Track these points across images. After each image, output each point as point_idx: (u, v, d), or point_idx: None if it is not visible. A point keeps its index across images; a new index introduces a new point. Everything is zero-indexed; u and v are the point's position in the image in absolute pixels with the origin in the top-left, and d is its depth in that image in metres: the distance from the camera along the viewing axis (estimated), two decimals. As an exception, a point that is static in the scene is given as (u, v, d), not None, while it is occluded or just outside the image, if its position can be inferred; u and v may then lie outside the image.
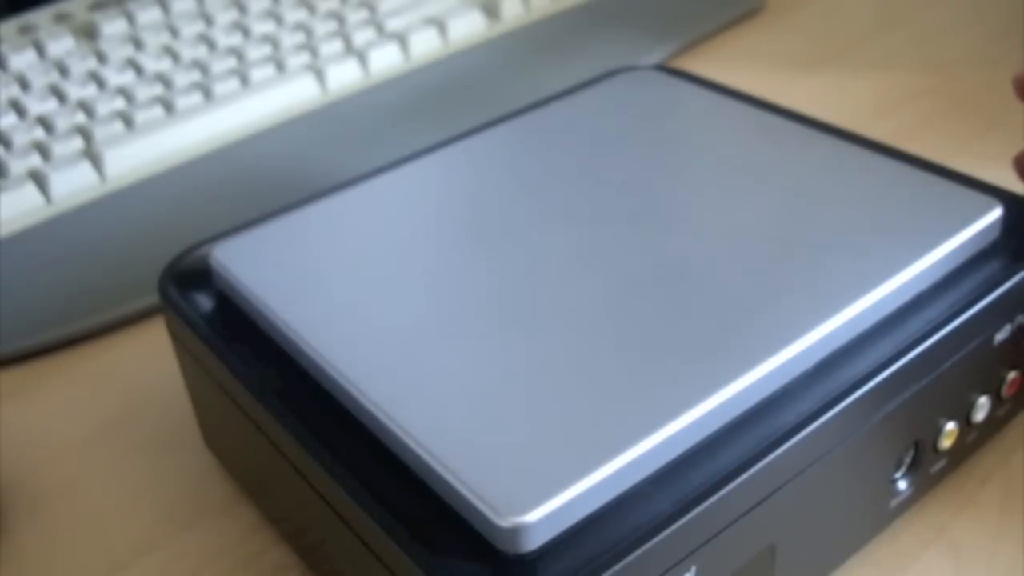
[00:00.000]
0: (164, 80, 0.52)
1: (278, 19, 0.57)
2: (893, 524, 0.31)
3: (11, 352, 0.40)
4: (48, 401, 0.39)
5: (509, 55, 0.56)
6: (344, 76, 0.54)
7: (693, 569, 0.24)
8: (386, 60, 0.55)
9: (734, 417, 0.25)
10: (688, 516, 0.23)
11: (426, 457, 0.24)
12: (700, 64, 0.56)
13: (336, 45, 0.55)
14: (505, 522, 0.22)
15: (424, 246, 0.30)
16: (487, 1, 0.59)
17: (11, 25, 0.57)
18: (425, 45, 0.56)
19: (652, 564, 0.23)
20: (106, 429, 0.37)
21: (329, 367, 0.27)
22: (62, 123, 0.50)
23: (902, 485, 0.29)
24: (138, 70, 0.53)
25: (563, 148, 0.35)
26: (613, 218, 0.31)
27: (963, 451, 0.31)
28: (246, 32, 0.56)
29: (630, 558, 0.22)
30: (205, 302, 0.31)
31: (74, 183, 0.47)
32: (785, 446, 0.24)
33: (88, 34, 0.56)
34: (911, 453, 0.29)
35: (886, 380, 0.26)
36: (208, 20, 0.56)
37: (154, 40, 0.55)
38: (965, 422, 0.30)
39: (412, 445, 0.24)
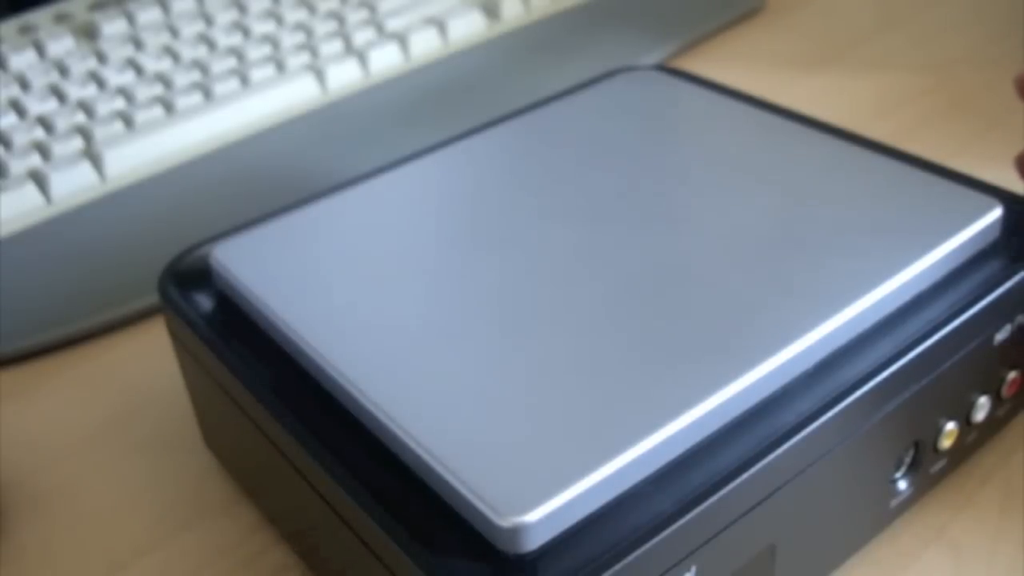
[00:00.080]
0: (164, 80, 0.52)
1: (278, 19, 0.57)
2: (893, 524, 0.31)
3: (11, 352, 0.40)
4: (48, 401, 0.39)
5: (509, 55, 0.56)
6: (344, 76, 0.54)
7: (693, 569, 0.24)
8: (386, 60, 0.55)
9: (734, 417, 0.25)
10: (688, 516, 0.23)
11: (426, 457, 0.24)
12: (700, 64, 0.56)
13: (336, 45, 0.55)
14: (505, 522, 0.22)
15: (424, 246, 0.30)
16: (487, 1, 0.59)
17: (11, 25, 0.57)
18: (425, 45, 0.56)
19: (652, 564, 0.23)
20: (106, 429, 0.37)
21: (329, 367, 0.27)
22: (62, 123, 0.50)
23: (902, 485, 0.29)
24: (138, 70, 0.53)
25: (563, 148, 0.35)
26: (613, 218, 0.31)
27: (963, 451, 0.31)
28: (246, 32, 0.56)
29: (630, 558, 0.22)
30: (205, 302, 0.31)
31: (74, 183, 0.47)
32: (785, 446, 0.24)
33: (88, 34, 0.56)
34: (911, 453, 0.29)
35: (886, 380, 0.26)
36: (208, 20, 0.57)
37: (154, 40, 0.55)
38: (965, 422, 0.30)
39: (412, 445, 0.24)
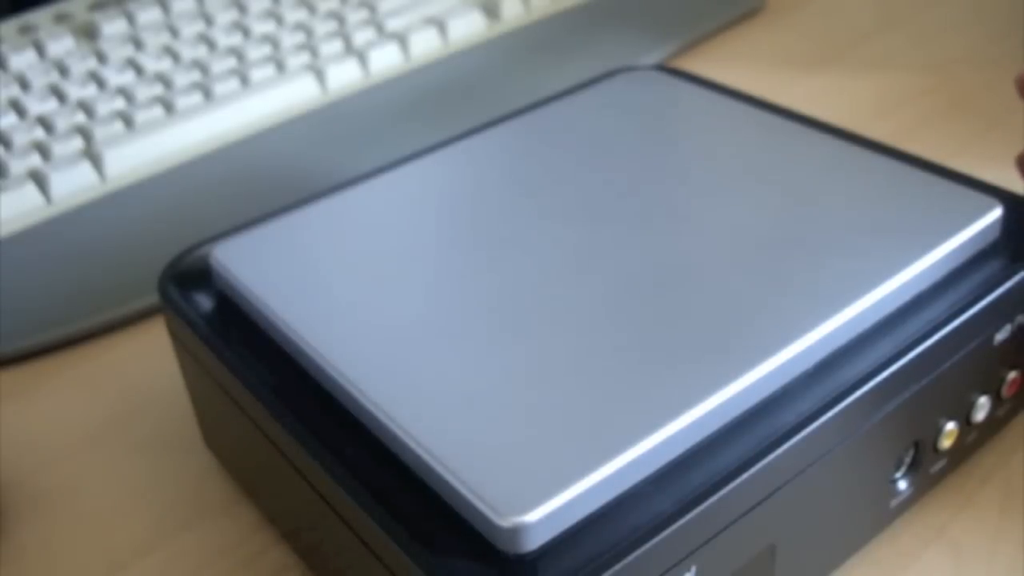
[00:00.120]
0: (164, 80, 0.52)
1: (278, 19, 0.57)
2: (893, 524, 0.31)
3: (11, 352, 0.40)
4: (48, 401, 0.39)
5: (509, 55, 0.56)
6: (344, 76, 0.54)
7: (693, 569, 0.24)
8: (386, 60, 0.55)
9: (734, 417, 0.25)
10: (688, 516, 0.23)
11: (426, 457, 0.24)
12: (700, 64, 0.56)
13: (336, 45, 0.55)
14: (505, 522, 0.22)
15: (424, 246, 0.30)
16: (487, 1, 0.59)
17: (11, 25, 0.57)
18: (425, 45, 0.56)
19: (652, 564, 0.23)
20: (106, 429, 0.37)
21: (329, 367, 0.27)
22: (62, 123, 0.50)
23: (902, 485, 0.29)
24: (138, 70, 0.53)
25: (563, 148, 0.35)
26: (613, 218, 0.31)
27: (963, 451, 0.31)
28: (246, 32, 0.56)
29: (630, 558, 0.22)
30: (205, 302, 0.31)
31: (74, 183, 0.47)
32: (785, 446, 0.24)
33: (88, 34, 0.56)
34: (911, 453, 0.29)
35: (886, 380, 0.26)
36: (208, 20, 0.57)
37: (154, 40, 0.55)
38: (965, 422, 0.30)
39: (412, 445, 0.24)
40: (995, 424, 0.32)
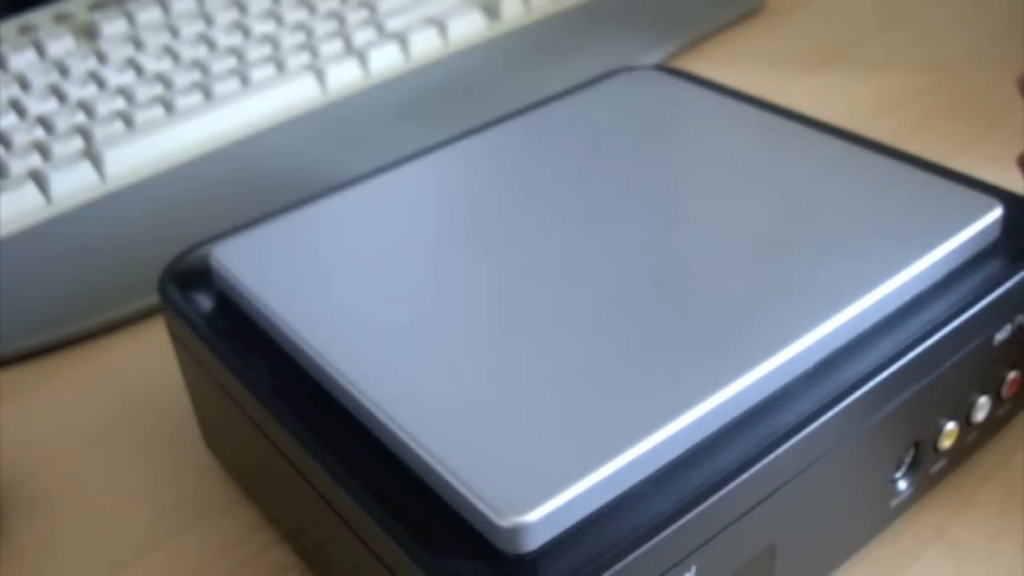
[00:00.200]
0: (164, 80, 0.52)
1: (278, 19, 0.57)
2: (893, 524, 0.31)
3: (11, 352, 0.40)
4: (48, 401, 0.39)
5: (509, 55, 0.56)
6: (344, 76, 0.54)
7: (693, 569, 0.24)
8: (386, 60, 0.55)
9: (734, 417, 0.25)
10: (688, 516, 0.23)
11: (426, 457, 0.24)
12: (700, 64, 0.56)
13: (336, 45, 0.55)
14: (505, 522, 0.22)
15: (424, 246, 0.30)
16: (487, 1, 0.59)
17: (11, 25, 0.57)
18: (425, 45, 0.56)
19: (652, 564, 0.23)
20: (106, 429, 0.37)
21: (329, 367, 0.27)
22: (62, 123, 0.50)
23: (902, 485, 0.29)
24: (138, 70, 0.53)
25: (563, 148, 0.35)
26: (613, 218, 0.31)
27: (963, 451, 0.31)
28: (246, 32, 0.56)
29: (630, 558, 0.22)
30: (205, 302, 0.31)
31: (74, 183, 0.47)
32: (785, 446, 0.24)
33: (88, 34, 0.56)
34: (911, 453, 0.29)
35: (886, 380, 0.26)
36: (208, 20, 0.57)
37: (154, 40, 0.55)
38: (965, 422, 0.30)
39: (412, 445, 0.24)
40: (995, 424, 0.32)
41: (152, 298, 0.42)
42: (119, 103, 0.51)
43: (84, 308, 0.42)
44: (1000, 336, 0.29)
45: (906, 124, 0.49)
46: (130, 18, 0.56)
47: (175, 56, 0.54)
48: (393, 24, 0.57)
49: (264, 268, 0.30)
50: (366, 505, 0.24)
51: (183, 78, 0.52)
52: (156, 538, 0.33)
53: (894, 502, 0.29)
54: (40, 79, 0.52)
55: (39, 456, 0.36)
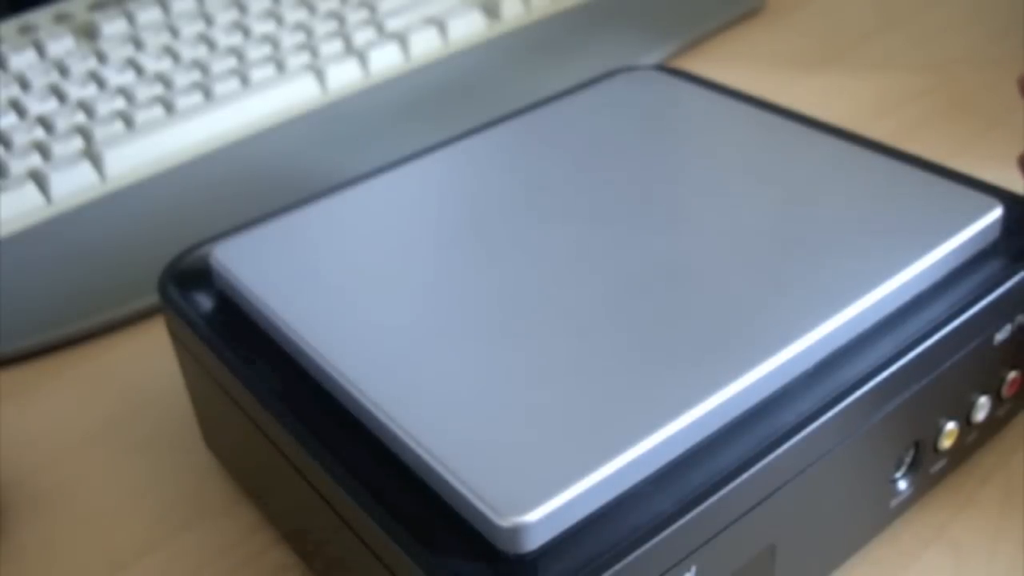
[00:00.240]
0: (164, 80, 0.52)
1: (278, 19, 0.57)
2: (893, 524, 0.31)
3: (11, 352, 0.40)
4: (48, 401, 0.39)
5: (509, 55, 0.56)
6: (344, 76, 0.54)
7: (693, 569, 0.24)
8: (386, 60, 0.55)
9: (734, 417, 0.25)
10: (688, 516, 0.23)
11: (426, 457, 0.24)
12: (700, 64, 0.56)
13: (336, 45, 0.55)
14: (505, 522, 0.22)
15: (424, 246, 0.30)
16: (487, 1, 0.59)
17: (11, 25, 0.57)
18: (425, 45, 0.56)
19: (652, 564, 0.23)
20: (106, 429, 0.37)
21: (329, 367, 0.27)
22: (62, 123, 0.50)
23: (902, 485, 0.29)
24: (138, 70, 0.53)
25: (563, 148, 0.35)
26: (613, 218, 0.31)
27: (963, 451, 0.31)
28: (246, 32, 0.56)
29: (630, 558, 0.22)
30: (205, 302, 0.31)
31: (74, 183, 0.47)
32: (785, 446, 0.24)
33: (88, 34, 0.56)
34: (911, 453, 0.29)
35: (886, 380, 0.26)
36: (208, 20, 0.57)
37: (154, 40, 0.55)
38: (965, 422, 0.30)
39: (412, 445, 0.24)
40: (995, 424, 0.32)
41: (152, 298, 0.42)
42: (119, 103, 0.51)
43: (84, 308, 0.42)
44: (1000, 336, 0.29)
45: (906, 124, 0.49)
46: (130, 18, 0.56)
47: (175, 56, 0.54)
48: (393, 24, 0.57)
49: (264, 268, 0.30)
50: (366, 505, 0.24)
51: (183, 78, 0.52)
52: (156, 538, 0.33)
53: (894, 502, 0.29)
54: (40, 79, 0.52)
55: (39, 456, 0.36)
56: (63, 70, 0.53)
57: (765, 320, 0.26)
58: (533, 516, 0.22)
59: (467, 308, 0.28)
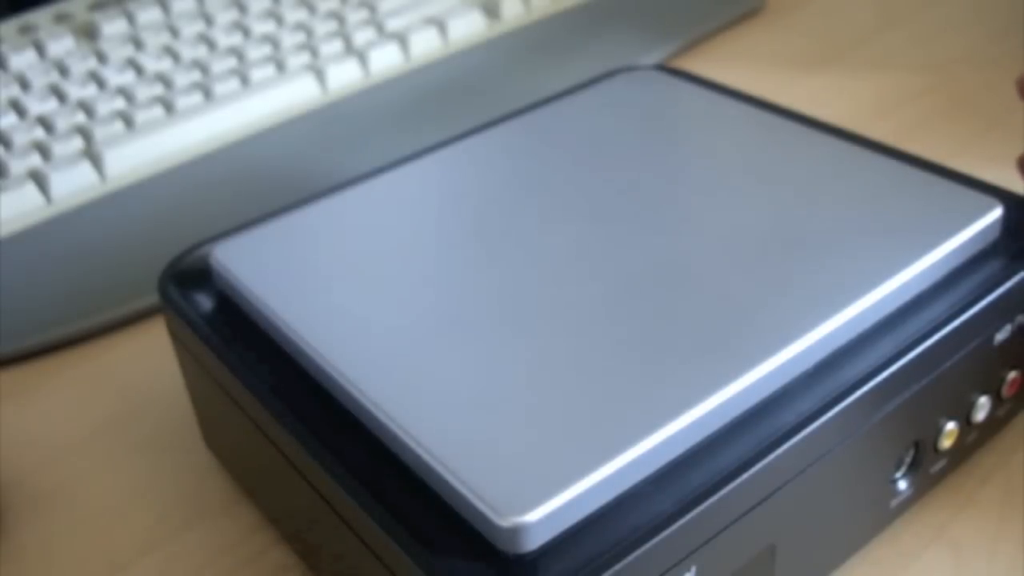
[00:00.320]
0: (164, 80, 0.52)
1: (278, 19, 0.57)
2: (893, 524, 0.31)
3: (11, 352, 0.40)
4: (48, 401, 0.39)
5: (509, 55, 0.56)
6: (344, 76, 0.54)
7: (693, 569, 0.24)
8: (386, 60, 0.55)
9: (734, 417, 0.25)
10: (688, 516, 0.23)
11: (426, 457, 0.24)
12: (700, 64, 0.56)
13: (336, 45, 0.55)
14: (505, 522, 0.22)
15: (424, 246, 0.30)
16: (487, 1, 0.59)
17: (11, 25, 0.57)
18: (425, 45, 0.56)
19: (652, 564, 0.23)
20: (106, 429, 0.37)
21: (329, 367, 0.27)
22: (62, 123, 0.50)
23: (902, 485, 0.29)
24: (138, 70, 0.53)
25: (563, 148, 0.35)
26: (613, 218, 0.31)
27: (963, 451, 0.31)
28: (246, 32, 0.56)
29: (630, 558, 0.22)
30: (205, 302, 0.31)
31: (74, 183, 0.47)
32: (785, 446, 0.24)
33: (88, 34, 0.56)
34: (911, 453, 0.29)
35: (886, 380, 0.26)
36: (208, 20, 0.57)
37: (154, 40, 0.55)
38: (965, 422, 0.30)
39: (412, 445, 0.24)
40: (995, 424, 0.32)
41: (152, 298, 0.42)
42: (119, 103, 0.51)
43: (84, 308, 0.42)
44: (1000, 336, 0.29)
45: (906, 124, 0.49)
46: (130, 18, 0.56)
47: (175, 56, 0.54)
48: (393, 24, 0.57)
49: (264, 268, 0.30)
50: (366, 505, 0.24)
51: (183, 78, 0.52)
52: (156, 538, 0.33)
53: (894, 502, 0.29)
54: (40, 79, 0.52)
55: (39, 456, 0.36)
56: (63, 70, 0.53)
57: (765, 320, 0.26)
58: (533, 516, 0.22)
59: (467, 308, 0.28)
